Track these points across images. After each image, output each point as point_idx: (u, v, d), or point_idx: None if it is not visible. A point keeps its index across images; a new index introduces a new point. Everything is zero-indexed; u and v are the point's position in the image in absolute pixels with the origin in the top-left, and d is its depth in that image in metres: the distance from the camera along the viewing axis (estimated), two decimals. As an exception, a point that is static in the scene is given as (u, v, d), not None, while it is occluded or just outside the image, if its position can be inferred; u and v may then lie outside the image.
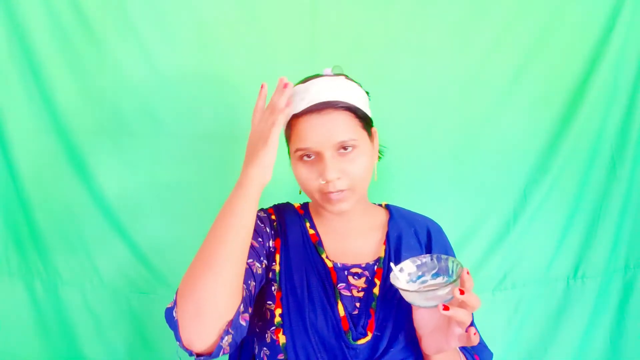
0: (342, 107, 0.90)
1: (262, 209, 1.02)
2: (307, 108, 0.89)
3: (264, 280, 0.93)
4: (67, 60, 1.38)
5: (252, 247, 0.90)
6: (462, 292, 0.72)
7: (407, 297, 0.77)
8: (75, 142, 1.41)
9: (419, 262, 0.83)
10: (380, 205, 1.08)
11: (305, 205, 1.05)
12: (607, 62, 1.49)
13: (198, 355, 0.78)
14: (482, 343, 1.00)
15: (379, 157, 1.01)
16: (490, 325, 1.49)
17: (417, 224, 1.02)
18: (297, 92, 0.92)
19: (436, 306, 0.74)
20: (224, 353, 0.79)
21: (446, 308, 0.73)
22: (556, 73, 1.50)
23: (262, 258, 0.93)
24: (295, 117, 0.91)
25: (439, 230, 1.05)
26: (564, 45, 1.49)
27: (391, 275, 0.81)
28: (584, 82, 1.50)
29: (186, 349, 0.78)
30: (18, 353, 1.47)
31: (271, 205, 1.06)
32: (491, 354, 1.00)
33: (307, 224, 1.00)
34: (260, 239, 0.94)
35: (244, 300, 0.83)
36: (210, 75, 1.41)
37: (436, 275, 0.82)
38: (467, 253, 1.50)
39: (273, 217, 1.00)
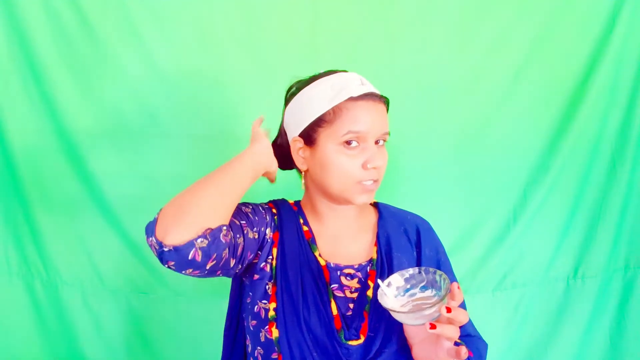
0: (386, 104, 0.95)
1: (261, 204, 1.02)
2: (367, 93, 0.91)
3: (253, 251, 0.92)
4: (67, 61, 1.39)
5: (247, 215, 0.92)
6: (449, 310, 0.72)
7: (395, 316, 0.77)
8: (75, 142, 1.41)
9: (407, 275, 0.83)
10: (370, 203, 1.07)
11: (297, 203, 1.04)
12: (607, 62, 1.50)
13: (168, 247, 0.75)
14: (476, 335, 1.00)
15: None
16: (490, 325, 1.49)
17: (406, 223, 1.02)
18: (352, 78, 0.93)
19: (424, 324, 0.74)
20: (193, 258, 0.76)
21: (433, 327, 0.73)
22: (556, 73, 1.51)
23: (255, 229, 0.93)
24: (352, 99, 0.91)
25: (429, 228, 1.04)
26: (564, 45, 1.49)
27: (378, 292, 0.80)
28: (584, 82, 1.51)
29: (158, 241, 0.76)
30: (18, 353, 1.47)
31: (268, 200, 1.04)
32: (486, 345, 1.00)
33: (301, 220, 0.99)
34: (256, 217, 0.94)
35: (231, 229, 0.84)
36: (210, 75, 1.42)
37: (424, 288, 0.81)
38: (467, 253, 1.50)
39: (274, 210, 1.00)
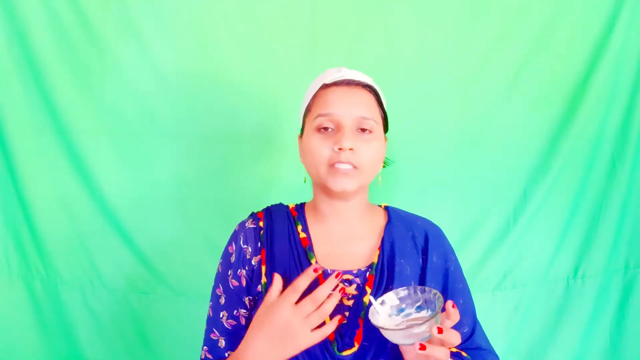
0: (370, 89, 0.94)
1: (252, 216, 1.01)
2: (339, 80, 0.92)
3: (252, 294, 0.94)
4: (67, 60, 1.39)
5: (235, 292, 0.94)
6: (440, 331, 0.71)
7: (385, 334, 0.75)
8: (75, 142, 1.41)
9: (402, 295, 0.81)
10: (379, 206, 1.06)
11: (301, 206, 1.02)
12: (607, 62, 1.49)
13: None
14: (487, 348, 0.99)
15: (383, 165, 1.00)
16: (490, 325, 1.48)
17: (415, 228, 0.99)
18: (330, 70, 0.95)
19: (413, 344, 0.72)
20: None
21: (422, 347, 0.72)
22: (556, 73, 1.50)
23: (243, 298, 0.94)
24: (325, 87, 0.93)
25: (439, 234, 1.01)
26: (564, 45, 1.49)
27: (370, 309, 0.79)
28: (584, 82, 1.50)
29: None
30: (18, 353, 1.47)
31: (263, 208, 1.03)
32: (497, 359, 0.99)
33: (299, 227, 0.97)
34: (241, 270, 0.94)
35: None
36: (210, 75, 1.42)
37: (420, 308, 0.79)
38: (467, 253, 1.50)
39: (261, 223, 0.98)
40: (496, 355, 0.99)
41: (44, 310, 1.47)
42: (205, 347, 0.95)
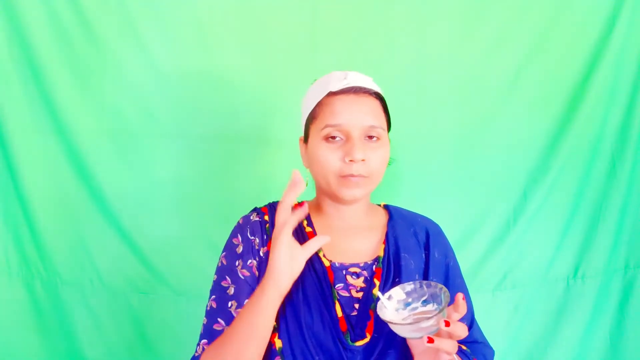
0: (377, 96, 0.94)
1: (255, 210, 1.01)
2: (346, 88, 0.91)
3: None
4: (67, 60, 1.39)
5: (247, 281, 0.92)
6: (447, 324, 0.72)
7: (394, 329, 0.76)
8: (75, 142, 1.41)
9: (408, 289, 0.82)
10: (379, 205, 1.07)
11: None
12: (607, 62, 1.49)
13: None
14: (483, 342, 1.00)
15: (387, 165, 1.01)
16: (490, 325, 1.48)
17: (416, 225, 1.01)
18: (335, 75, 0.94)
19: (421, 337, 0.73)
20: None
21: (430, 340, 0.72)
22: (556, 73, 1.51)
23: (255, 288, 0.92)
24: (332, 94, 0.92)
25: (439, 231, 1.04)
26: (564, 45, 1.49)
27: (378, 304, 0.80)
28: (584, 82, 1.51)
29: None
30: (18, 353, 1.46)
31: (267, 203, 1.03)
32: (493, 352, 1.00)
33: (304, 222, 0.98)
34: (251, 260, 0.94)
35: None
36: (210, 75, 1.42)
37: (426, 302, 0.80)
38: (467, 253, 1.50)
39: (266, 217, 0.98)
40: (491, 348, 1.00)
41: (44, 310, 1.47)
42: (203, 341, 0.91)
